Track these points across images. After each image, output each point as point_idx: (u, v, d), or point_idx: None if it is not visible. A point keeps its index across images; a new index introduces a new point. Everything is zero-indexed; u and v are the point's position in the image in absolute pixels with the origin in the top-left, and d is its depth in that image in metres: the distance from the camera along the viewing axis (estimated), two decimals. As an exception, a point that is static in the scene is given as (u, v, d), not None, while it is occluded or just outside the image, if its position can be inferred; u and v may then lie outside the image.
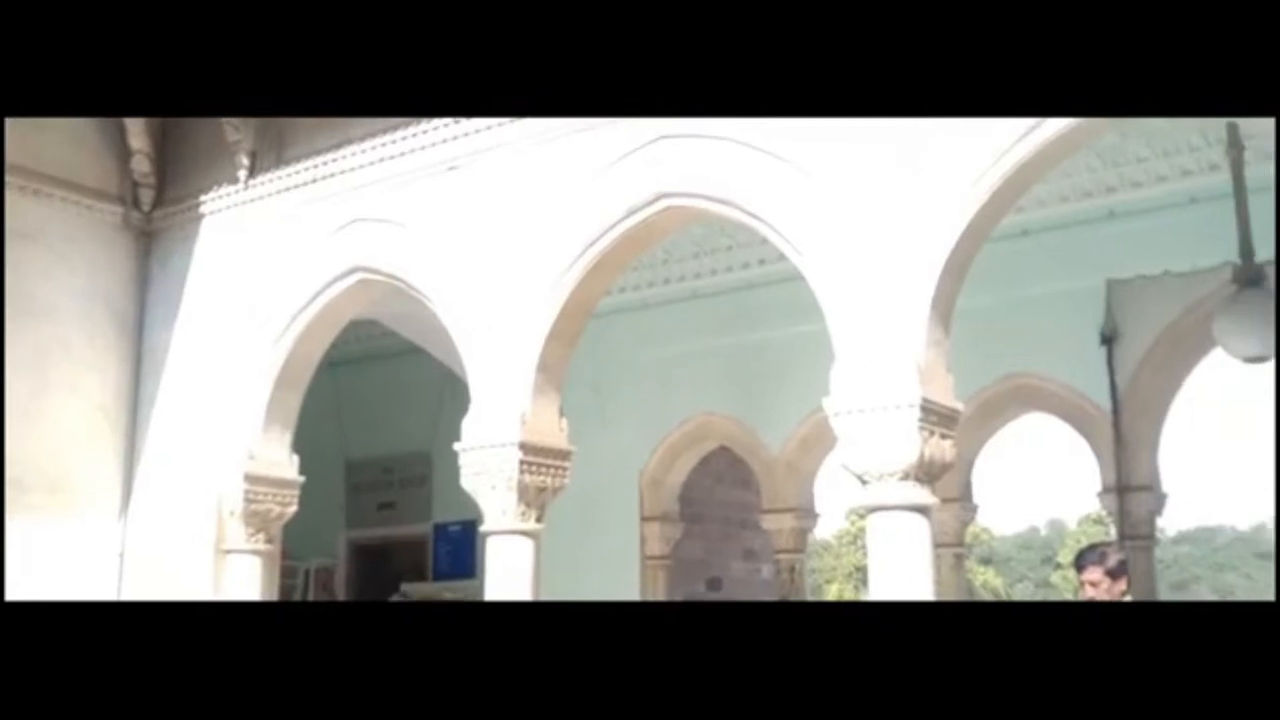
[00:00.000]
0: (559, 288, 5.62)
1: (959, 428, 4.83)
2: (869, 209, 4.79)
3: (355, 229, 6.50)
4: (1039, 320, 7.80)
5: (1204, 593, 42.22)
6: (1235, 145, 6.39)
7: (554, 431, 5.74)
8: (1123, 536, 7.55)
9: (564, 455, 5.76)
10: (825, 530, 36.72)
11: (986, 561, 40.83)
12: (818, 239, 4.91)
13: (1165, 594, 34.46)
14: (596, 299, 5.84)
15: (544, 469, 5.65)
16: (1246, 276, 6.34)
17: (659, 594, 9.19)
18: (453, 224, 6.10)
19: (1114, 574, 4.69)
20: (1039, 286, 7.72)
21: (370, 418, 10.63)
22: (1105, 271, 7.64)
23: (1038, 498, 74.71)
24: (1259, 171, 6.47)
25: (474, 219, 6.02)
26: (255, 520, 6.65)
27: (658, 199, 5.39)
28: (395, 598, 10.30)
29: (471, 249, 5.99)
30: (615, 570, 9.12)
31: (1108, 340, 7.67)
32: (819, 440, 8.31)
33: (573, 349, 5.80)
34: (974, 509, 8.95)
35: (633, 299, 8.95)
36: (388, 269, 6.34)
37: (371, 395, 10.58)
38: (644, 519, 9.33)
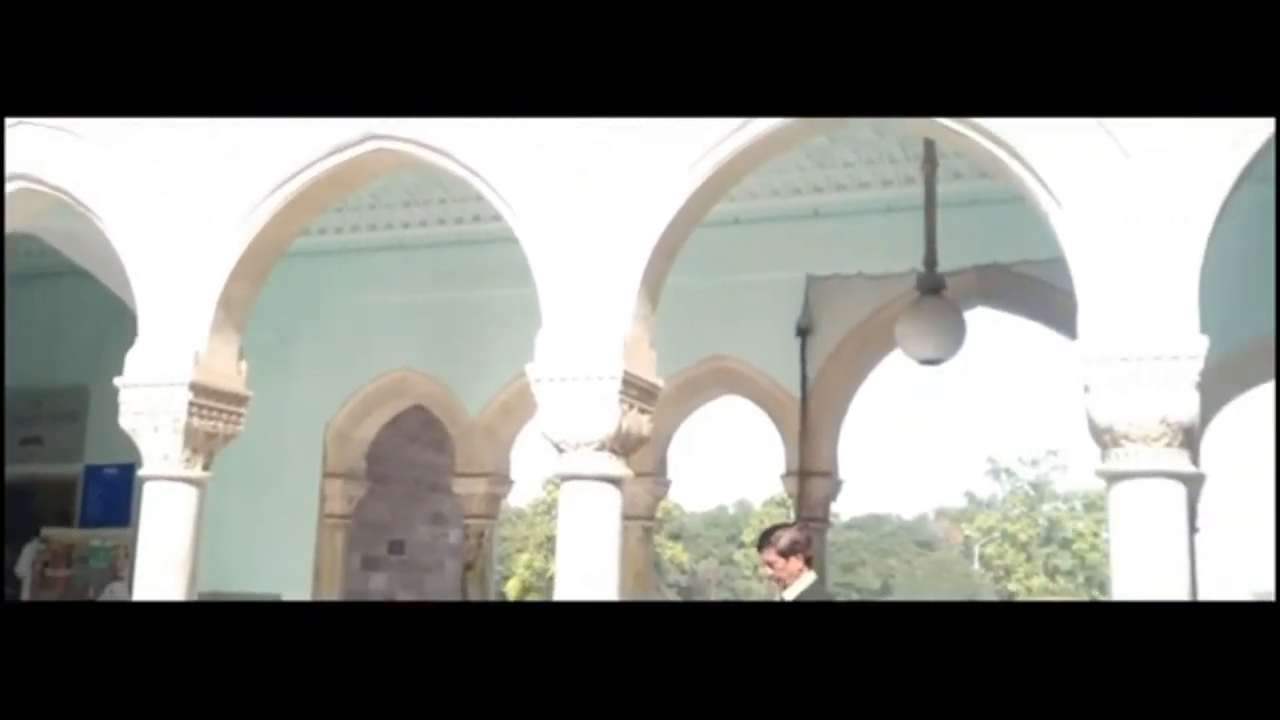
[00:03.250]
0: (250, 221, 5.24)
1: (658, 404, 4.90)
2: (589, 181, 4.75)
3: (20, 132, 5.72)
4: (743, 307, 8.07)
5: (868, 575, 45.87)
6: (930, 161, 6.78)
7: (230, 374, 5.38)
8: (800, 518, 7.93)
9: (239, 400, 5.42)
10: (521, 499, 37.01)
11: (676, 537, 42.51)
12: (535, 203, 4.83)
13: (834, 574, 37.24)
14: (291, 237, 5.50)
15: (215, 413, 5.29)
16: (928, 284, 6.75)
17: (336, 555, 8.85)
18: (135, 140, 5.50)
19: (785, 554, 4.85)
20: (745, 274, 7.98)
21: (20, 343, 9.52)
22: (806, 267, 7.99)
23: (728, 477, 78.58)
24: (948, 188, 6.92)
25: (160, 137, 5.45)
26: None
27: (366, 139, 5.10)
28: (33, 543, 9.35)
29: (154, 169, 5.45)
30: (290, 527, 8.73)
31: (803, 332, 8.04)
32: (520, 406, 8.23)
33: (259, 288, 5.45)
34: (666, 484, 9.18)
35: (334, 242, 8.55)
36: (54, 180, 5.67)
37: (23, 319, 9.45)
38: (326, 475, 8.97)
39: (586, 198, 4.74)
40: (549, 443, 4.69)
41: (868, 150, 7.40)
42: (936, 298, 6.74)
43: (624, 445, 4.65)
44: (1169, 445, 3.84)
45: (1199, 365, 3.83)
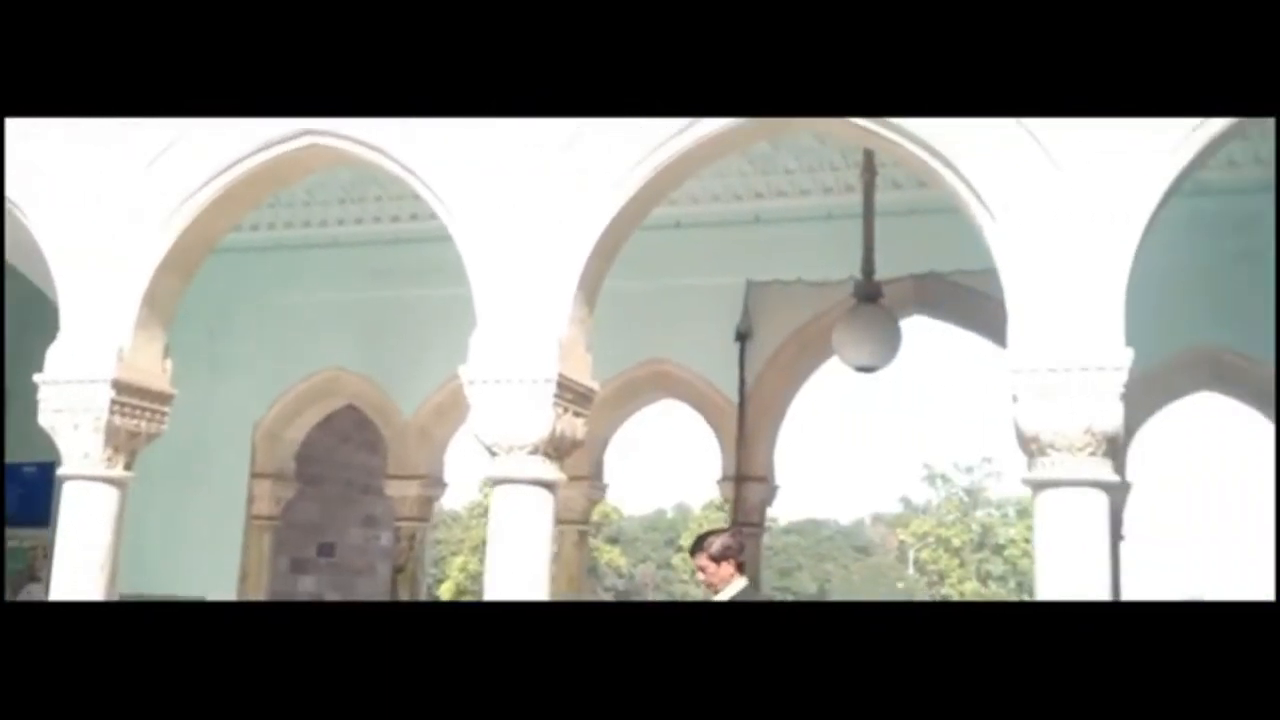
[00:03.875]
0: (178, 215, 5.13)
1: (594, 407, 4.88)
2: (526, 180, 4.71)
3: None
4: (682, 310, 8.06)
5: (804, 579, 46.18)
6: (869, 170, 6.82)
7: (155, 371, 5.27)
8: (736, 523, 7.95)
9: (164, 398, 5.31)
10: (456, 501, 36.72)
11: (613, 540, 42.46)
12: (471, 202, 4.78)
13: (772, 579, 37.37)
14: (221, 233, 5.40)
15: (139, 411, 5.17)
16: (865, 293, 6.78)
17: (263, 557, 8.69)
18: (59, 130, 5.34)
19: (717, 559, 4.86)
20: (686, 278, 7.97)
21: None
22: (746, 272, 7.99)
23: (668, 481, 78.80)
24: (887, 197, 6.97)
25: (86, 128, 5.29)
26: None
27: (302, 135, 5.02)
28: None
29: (79, 160, 5.31)
30: (216, 529, 8.56)
31: (742, 337, 8.04)
32: (455, 407, 8.12)
33: (187, 284, 5.34)
34: (603, 488, 9.13)
35: (267, 238, 8.40)
36: (-26, 169, 5.48)
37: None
38: (254, 475, 8.79)
39: (524, 198, 4.70)
40: (481, 446, 4.63)
41: (809, 158, 7.44)
42: (873, 306, 6.78)
43: (557, 449, 4.62)
44: (1093, 455, 3.89)
45: (1124, 377, 3.89)
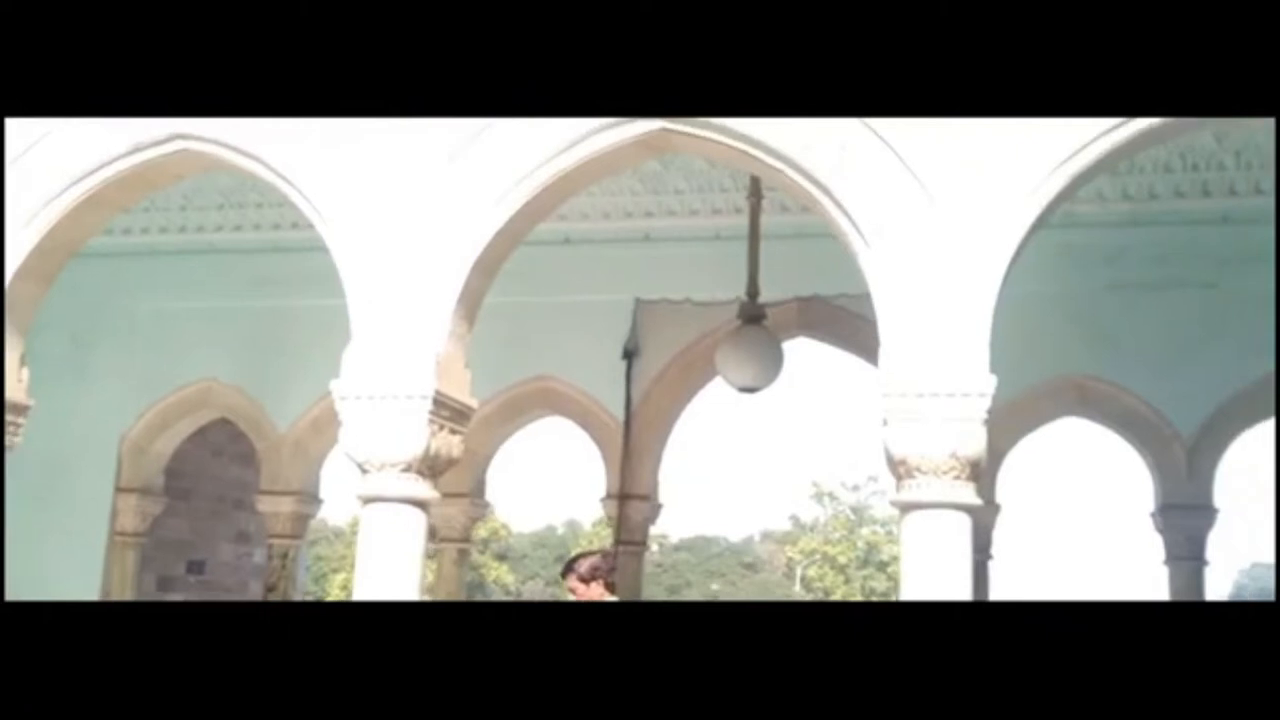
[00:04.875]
0: (38, 219, 4.94)
1: (477, 424, 4.82)
2: (407, 192, 4.63)
3: None
4: (570, 327, 8.03)
5: (693, 595, 46.37)
6: (755, 194, 6.89)
7: (10, 381, 5.04)
8: (619, 541, 7.94)
9: (19, 409, 5.10)
10: (340, 517, 35.91)
11: (501, 557, 42.05)
12: (348, 212, 4.69)
13: (660, 596, 37.35)
14: (85, 237, 5.20)
15: (-9, 423, 4.89)
16: (749, 314, 6.84)
17: (126, 575, 8.37)
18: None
19: (585, 579, 4.89)
20: (574, 295, 7.95)
21: None
22: (635, 290, 8.02)
23: (558, 497, 78.54)
24: (775, 220, 7.06)
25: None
26: None
27: (172, 139, 4.87)
28: None
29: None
30: (76, 545, 8.22)
31: (629, 355, 8.04)
32: (331, 422, 7.89)
33: (47, 290, 5.13)
34: (485, 505, 9.02)
35: (140, 243, 8.14)
36: None
37: None
38: (119, 490, 8.48)
39: (404, 209, 4.62)
40: (353, 463, 4.54)
41: (699, 179, 7.50)
42: (756, 327, 6.84)
43: (432, 467, 4.55)
44: (958, 478, 3.97)
45: (987, 403, 3.99)
